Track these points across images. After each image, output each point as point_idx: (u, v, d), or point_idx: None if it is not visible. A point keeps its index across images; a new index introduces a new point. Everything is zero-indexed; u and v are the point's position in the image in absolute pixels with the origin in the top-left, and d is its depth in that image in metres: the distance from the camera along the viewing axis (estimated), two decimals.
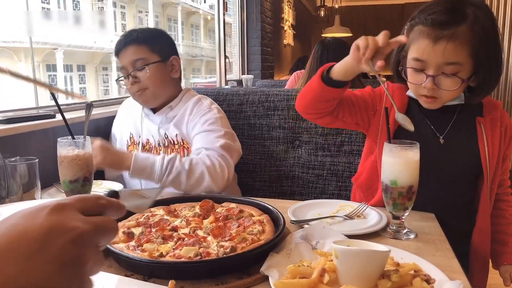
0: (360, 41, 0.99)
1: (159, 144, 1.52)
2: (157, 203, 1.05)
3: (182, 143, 1.50)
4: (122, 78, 1.51)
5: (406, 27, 1.11)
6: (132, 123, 1.61)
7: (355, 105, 1.22)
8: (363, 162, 1.30)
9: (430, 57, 1.03)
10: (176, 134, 1.50)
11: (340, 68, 1.09)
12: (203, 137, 1.42)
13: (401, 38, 0.99)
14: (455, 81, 1.04)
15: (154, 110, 1.56)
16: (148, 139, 1.55)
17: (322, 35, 8.17)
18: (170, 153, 1.48)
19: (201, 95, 1.59)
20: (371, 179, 1.24)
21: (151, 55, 1.48)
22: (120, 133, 1.65)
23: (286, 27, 7.05)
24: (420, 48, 1.05)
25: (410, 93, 1.18)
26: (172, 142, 1.51)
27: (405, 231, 0.98)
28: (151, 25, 17.13)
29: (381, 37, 0.97)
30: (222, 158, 1.35)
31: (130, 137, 1.60)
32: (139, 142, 1.57)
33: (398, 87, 1.23)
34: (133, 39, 1.48)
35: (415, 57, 1.06)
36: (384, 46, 0.96)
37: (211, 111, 1.48)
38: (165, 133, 1.51)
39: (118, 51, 1.50)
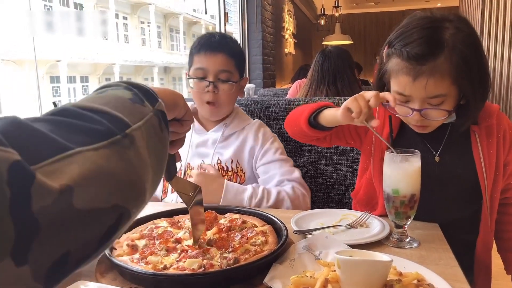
0: (352, 105, 0.98)
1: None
2: (160, 215, 1.06)
3: (236, 170, 1.47)
4: (201, 79, 1.44)
5: (384, 51, 1.08)
6: None
7: (345, 129, 1.23)
8: (359, 179, 1.31)
9: (413, 93, 1.02)
10: (232, 160, 1.47)
11: (328, 119, 1.11)
12: (279, 167, 1.42)
13: (389, 97, 0.98)
14: (440, 112, 1.03)
15: (206, 127, 1.53)
16: (189, 163, 1.48)
17: (323, 43, 8.22)
18: None
19: (259, 120, 1.57)
20: (369, 195, 1.24)
21: (235, 71, 1.47)
22: None
23: (287, 36, 7.10)
24: (401, 84, 1.03)
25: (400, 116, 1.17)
26: (224, 169, 1.47)
27: (408, 240, 0.98)
28: (154, 36, 17.24)
29: (373, 101, 0.96)
30: (304, 188, 1.39)
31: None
32: (186, 162, 1.49)
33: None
34: (227, 48, 1.45)
35: (397, 91, 1.05)
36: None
37: (276, 140, 1.50)
38: (218, 158, 1.47)
39: (205, 51, 1.43)
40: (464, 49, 0.98)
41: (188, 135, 1.49)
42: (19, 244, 0.31)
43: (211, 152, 1.47)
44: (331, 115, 1.09)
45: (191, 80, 1.47)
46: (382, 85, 1.13)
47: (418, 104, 1.02)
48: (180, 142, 0.80)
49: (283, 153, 1.48)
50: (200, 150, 1.49)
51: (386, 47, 1.08)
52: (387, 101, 1.06)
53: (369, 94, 0.97)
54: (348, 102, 0.99)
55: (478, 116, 1.09)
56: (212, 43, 1.45)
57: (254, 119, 1.58)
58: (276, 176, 1.42)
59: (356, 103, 0.97)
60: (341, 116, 1.01)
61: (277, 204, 1.31)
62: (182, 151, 1.49)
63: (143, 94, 0.55)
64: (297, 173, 1.43)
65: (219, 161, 1.47)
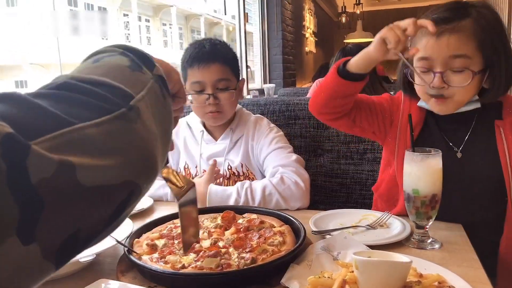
0: (388, 34, 0.95)
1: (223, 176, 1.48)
2: None
3: (247, 174, 1.47)
4: (201, 92, 1.42)
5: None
6: (186, 151, 1.54)
7: (373, 111, 1.21)
8: (382, 172, 1.28)
9: (435, 52, 1.00)
10: (242, 165, 1.47)
11: (359, 61, 1.06)
12: (276, 155, 1.41)
13: (428, 24, 0.93)
14: (465, 75, 0.99)
15: (215, 137, 1.53)
16: (204, 170, 1.47)
17: (345, 41, 8.13)
18: (233, 184, 1.40)
19: (257, 115, 1.58)
20: (391, 191, 1.22)
21: (232, 77, 1.45)
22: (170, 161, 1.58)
23: (307, 35, 7.06)
24: (423, 45, 1.02)
25: (421, 103, 1.14)
26: (236, 174, 1.47)
27: (429, 240, 0.96)
28: (176, 37, 17.44)
29: (411, 28, 0.93)
30: (297, 174, 1.32)
31: (184, 168, 1.53)
32: (195, 174, 1.50)
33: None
34: (220, 56, 1.43)
35: (420, 56, 1.03)
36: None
37: (272, 130, 1.49)
38: (229, 164, 1.48)
39: (199, 64, 1.41)
40: (490, 17, 1.01)
41: (198, 146, 1.51)
42: (24, 220, 0.31)
43: (222, 160, 1.47)
44: (362, 54, 1.05)
45: (189, 96, 1.45)
46: (404, 76, 1.13)
47: (440, 66, 1.01)
48: (176, 120, 0.73)
49: (280, 141, 1.45)
50: (210, 156, 1.50)
51: None
52: (408, 68, 1.06)
53: (404, 22, 0.95)
54: (383, 32, 0.97)
55: (506, 91, 1.07)
56: (204, 55, 1.41)
57: (255, 115, 1.57)
58: (270, 166, 1.40)
59: (393, 32, 0.95)
60: (375, 49, 0.99)
61: (265, 200, 1.26)
62: (193, 162, 1.51)
63: (140, 59, 0.52)
64: (293, 158, 1.37)
65: (229, 167, 1.48)
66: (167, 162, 0.81)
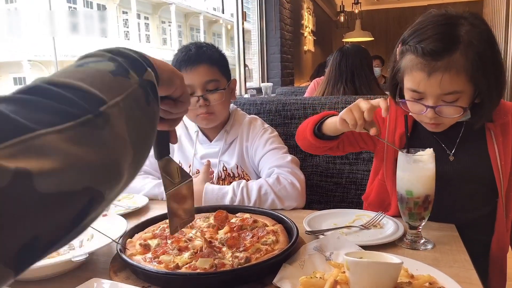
0: (346, 116, 0.99)
1: (217, 177, 1.48)
2: None
3: (242, 175, 1.47)
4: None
5: (397, 49, 1.07)
6: (180, 150, 1.55)
7: (356, 135, 1.22)
8: (370, 183, 1.30)
9: (427, 89, 1.00)
10: (237, 166, 1.48)
11: (331, 128, 1.12)
12: (271, 156, 1.41)
13: (383, 109, 0.97)
14: (455, 109, 1.01)
15: (209, 138, 1.53)
16: (198, 170, 1.48)
17: (343, 40, 8.13)
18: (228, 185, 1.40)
19: (252, 116, 1.58)
20: (381, 197, 1.23)
21: (221, 77, 1.45)
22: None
23: (306, 34, 7.05)
24: (415, 80, 1.01)
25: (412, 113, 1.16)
26: (231, 175, 1.48)
27: (422, 241, 0.96)
28: (175, 35, 17.42)
29: (367, 114, 0.97)
30: (292, 175, 1.33)
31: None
32: (189, 173, 1.52)
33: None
34: (206, 58, 1.42)
35: (412, 88, 1.03)
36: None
37: (266, 131, 1.49)
38: (224, 166, 1.48)
39: (186, 67, 1.41)
40: (479, 44, 0.97)
41: (192, 146, 1.51)
42: None
43: (216, 161, 1.48)
44: (332, 123, 1.10)
45: None
46: (395, 84, 1.12)
47: (432, 101, 1.01)
48: (175, 121, 0.76)
49: (275, 142, 1.45)
50: (204, 156, 1.50)
51: (399, 45, 1.07)
52: (401, 100, 1.05)
53: (364, 105, 0.98)
54: (343, 113, 1.01)
55: (493, 113, 1.07)
56: (190, 57, 1.42)
57: (250, 115, 1.57)
58: (266, 167, 1.40)
59: (351, 115, 0.98)
60: (340, 126, 1.03)
61: (261, 200, 1.27)
62: (187, 161, 1.52)
63: (130, 63, 0.51)
64: (288, 159, 1.38)
65: (224, 168, 1.48)
66: (168, 153, 0.82)
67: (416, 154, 0.97)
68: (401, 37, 1.07)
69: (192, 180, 0.87)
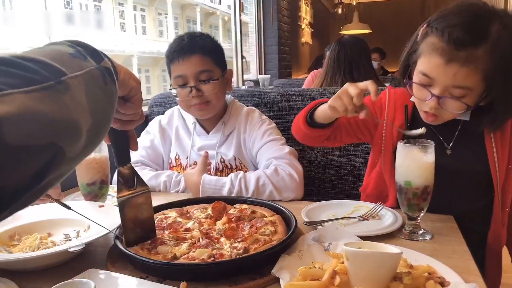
0: (336, 103, 0.98)
1: (215, 168, 1.47)
2: (170, 206, 1.07)
3: (240, 167, 1.47)
4: (183, 86, 1.41)
5: (421, 29, 1.03)
6: (178, 141, 1.54)
7: (352, 125, 1.21)
8: (368, 175, 1.29)
9: (440, 77, 0.97)
10: (235, 158, 1.47)
11: (322, 115, 1.10)
12: (269, 148, 1.40)
13: (372, 93, 0.94)
14: (460, 105, 0.98)
15: (207, 130, 1.52)
16: (196, 161, 1.47)
17: (341, 32, 8.10)
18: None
19: (249, 107, 1.57)
20: (379, 189, 1.22)
21: (215, 68, 1.43)
22: (159, 151, 1.56)
23: (303, 26, 7.02)
24: (431, 64, 0.97)
25: (414, 99, 1.13)
26: (229, 167, 1.47)
27: (421, 232, 0.96)
28: (171, 27, 17.29)
29: (356, 99, 0.95)
30: (291, 166, 1.32)
31: (175, 158, 1.54)
32: (186, 165, 1.50)
33: (401, 92, 1.18)
34: (199, 48, 1.40)
35: (424, 71, 1.00)
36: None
37: (264, 122, 1.48)
38: (221, 157, 1.48)
39: (179, 58, 1.40)
40: (508, 47, 0.93)
41: (190, 137, 1.51)
42: None
43: (213, 153, 1.47)
44: (323, 110, 1.08)
45: (173, 90, 1.45)
46: (407, 65, 1.10)
47: (440, 90, 0.98)
48: (127, 123, 0.80)
49: (272, 133, 1.45)
50: (201, 147, 1.49)
51: (424, 26, 1.03)
52: (409, 81, 1.04)
53: (352, 90, 0.95)
54: (332, 100, 0.99)
55: (505, 122, 1.05)
56: (183, 47, 1.40)
57: (248, 107, 1.57)
58: (264, 159, 1.40)
59: (340, 102, 0.97)
60: (331, 112, 1.02)
61: (259, 191, 1.26)
62: (184, 153, 1.51)
63: (89, 52, 0.57)
64: (286, 150, 1.37)
65: (222, 160, 1.47)
66: (128, 160, 0.86)
67: (415, 144, 0.96)
68: (428, 18, 1.03)
69: (149, 191, 0.88)
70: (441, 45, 0.95)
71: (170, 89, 1.47)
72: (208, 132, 1.52)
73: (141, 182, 0.87)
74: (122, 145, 0.84)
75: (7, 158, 0.38)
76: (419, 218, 0.97)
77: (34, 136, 0.41)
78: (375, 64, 4.77)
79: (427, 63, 0.99)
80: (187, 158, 1.50)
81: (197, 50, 1.40)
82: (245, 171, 1.42)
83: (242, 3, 4.36)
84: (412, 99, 1.13)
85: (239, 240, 0.87)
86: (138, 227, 0.87)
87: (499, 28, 0.93)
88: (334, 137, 1.20)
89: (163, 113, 1.66)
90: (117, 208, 0.84)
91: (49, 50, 0.52)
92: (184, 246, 0.85)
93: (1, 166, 0.38)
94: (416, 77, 1.03)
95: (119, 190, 0.85)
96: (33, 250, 0.88)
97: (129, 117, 0.78)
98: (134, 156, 1.46)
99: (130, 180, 0.86)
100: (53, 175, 0.45)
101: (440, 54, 0.95)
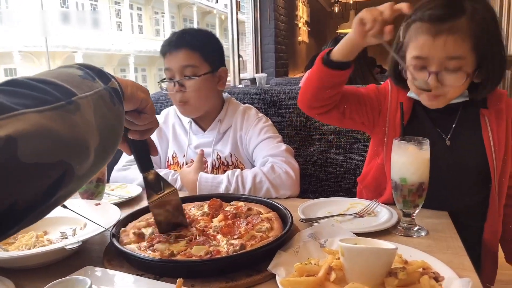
0: (365, 14, 0.97)
1: (211, 165, 1.47)
2: None
3: (236, 164, 1.46)
4: (165, 80, 1.43)
5: (402, 27, 1.08)
6: (175, 140, 1.54)
7: (361, 101, 1.21)
8: (367, 164, 1.29)
9: (431, 52, 1.00)
10: (231, 155, 1.47)
11: (342, 47, 1.06)
12: (265, 145, 1.40)
13: (404, 6, 0.94)
14: (459, 76, 1.01)
15: (203, 128, 1.52)
16: (192, 160, 1.47)
17: (338, 31, 8.11)
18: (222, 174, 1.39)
19: (246, 105, 1.57)
20: (378, 180, 1.23)
21: (202, 64, 1.41)
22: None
23: (300, 24, 7.02)
24: (420, 44, 1.02)
25: (410, 94, 1.15)
26: (225, 164, 1.47)
27: (416, 228, 0.97)
28: (168, 25, 17.25)
29: (387, 11, 0.94)
30: (287, 164, 1.32)
31: (173, 156, 1.54)
32: (183, 163, 1.50)
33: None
34: (186, 42, 1.40)
35: (416, 55, 1.03)
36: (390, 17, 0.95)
37: (260, 120, 1.48)
38: (218, 154, 1.48)
39: (167, 51, 1.41)
40: (485, 14, 1.01)
41: (186, 135, 1.51)
42: None
43: (210, 151, 1.47)
44: (344, 40, 1.05)
45: (163, 84, 1.45)
46: (397, 64, 1.13)
47: (436, 66, 1.01)
48: (146, 132, 0.82)
49: (269, 131, 1.45)
50: (198, 145, 1.49)
51: (403, 24, 1.08)
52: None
53: (382, 6, 0.96)
54: (360, 13, 0.98)
55: (494, 90, 1.09)
56: (171, 42, 1.41)
57: (244, 105, 1.57)
58: (260, 156, 1.40)
59: (369, 13, 0.96)
60: (354, 32, 1.00)
61: (255, 188, 1.26)
62: (181, 151, 1.52)
63: (96, 73, 0.59)
64: (282, 148, 1.37)
65: (218, 157, 1.47)
66: (151, 167, 0.89)
67: (410, 142, 0.97)
68: (405, 17, 1.08)
69: (176, 190, 0.92)
70: (425, 25, 1.02)
71: (158, 82, 1.47)
72: (204, 130, 1.52)
73: (167, 184, 0.91)
74: (143, 153, 0.86)
75: (19, 175, 0.39)
76: (414, 215, 0.98)
77: (46, 154, 0.42)
78: None
79: (416, 45, 1.03)
80: (184, 156, 1.51)
81: (185, 44, 1.40)
82: (241, 168, 1.43)
83: (239, 2, 4.36)
84: (409, 93, 1.15)
85: (235, 237, 0.87)
86: (171, 221, 0.92)
87: (471, 3, 1.01)
88: (344, 110, 1.18)
89: (159, 112, 1.66)
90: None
91: (59, 72, 0.55)
92: (181, 243, 0.86)
93: (13, 183, 0.39)
94: (411, 66, 1.06)
95: (149, 196, 0.88)
96: (29, 248, 0.88)
97: (146, 126, 0.80)
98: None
99: (156, 184, 0.89)
100: (62, 193, 0.46)
101: (425, 32, 1.01)
